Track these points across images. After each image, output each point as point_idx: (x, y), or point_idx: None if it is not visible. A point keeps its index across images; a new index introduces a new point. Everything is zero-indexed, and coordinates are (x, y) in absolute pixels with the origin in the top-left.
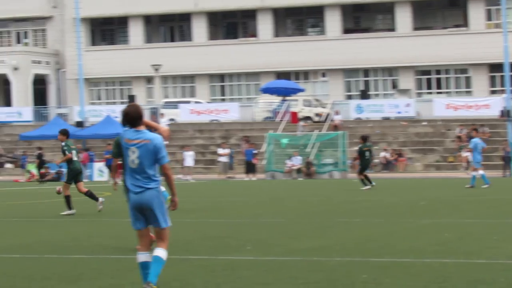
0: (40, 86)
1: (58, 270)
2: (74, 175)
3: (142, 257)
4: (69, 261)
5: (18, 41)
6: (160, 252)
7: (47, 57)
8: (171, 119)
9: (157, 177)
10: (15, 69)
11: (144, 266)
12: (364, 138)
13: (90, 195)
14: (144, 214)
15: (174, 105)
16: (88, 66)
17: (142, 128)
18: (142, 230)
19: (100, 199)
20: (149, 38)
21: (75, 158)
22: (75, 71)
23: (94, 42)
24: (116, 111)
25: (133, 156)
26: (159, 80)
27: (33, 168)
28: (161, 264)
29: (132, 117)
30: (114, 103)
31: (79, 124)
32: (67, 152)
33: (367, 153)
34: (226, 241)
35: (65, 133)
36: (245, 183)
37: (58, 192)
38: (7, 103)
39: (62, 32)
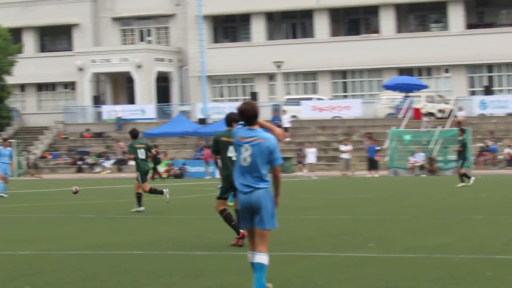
0: (163, 83)
1: (181, 267)
2: (142, 174)
3: (254, 258)
4: (191, 257)
5: (142, 39)
6: (262, 258)
7: (170, 54)
8: (293, 116)
9: (267, 177)
10: (139, 67)
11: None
12: (463, 130)
13: (153, 191)
14: (251, 214)
15: (296, 102)
16: (211, 64)
17: (257, 127)
18: (252, 230)
19: (165, 190)
20: (271, 35)
21: (142, 157)
22: (198, 69)
23: (216, 40)
24: None
25: (245, 154)
26: (281, 77)
27: (157, 166)
28: (264, 270)
29: (248, 115)
30: (236, 100)
31: (202, 121)
32: (129, 153)
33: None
34: (348, 238)
35: (130, 133)
36: (368, 180)
37: (75, 192)
38: (131, 100)
39: (184, 29)
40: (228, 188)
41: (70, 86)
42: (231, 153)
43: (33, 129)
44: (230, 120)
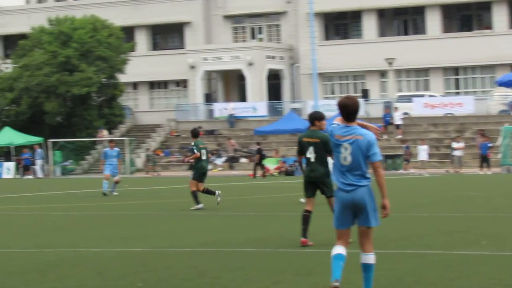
0: (274, 81)
1: (292, 264)
2: (201, 174)
3: (340, 249)
4: (302, 255)
5: (253, 37)
6: (371, 258)
7: (281, 52)
8: (405, 113)
9: (369, 174)
10: (250, 64)
11: (338, 257)
12: None
13: (207, 191)
14: (354, 213)
15: (407, 98)
16: (322, 61)
17: (355, 124)
18: (345, 230)
19: (217, 192)
20: (383, 32)
21: (203, 158)
22: (309, 66)
23: (327, 37)
24: None
25: (345, 153)
26: (393, 74)
27: (268, 163)
28: (373, 270)
29: (349, 111)
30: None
31: None
32: (195, 151)
33: None
34: (460, 235)
35: (192, 133)
36: (480, 177)
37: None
38: (242, 98)
39: (296, 27)
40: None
41: (182, 84)
42: (310, 154)
43: (146, 127)
44: (313, 119)
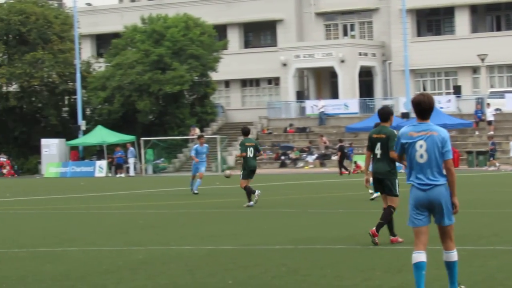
0: (366, 78)
1: (382, 261)
2: (248, 172)
3: (420, 256)
4: (393, 252)
5: (345, 34)
6: (454, 256)
7: (373, 49)
8: (497, 109)
9: (444, 172)
10: (342, 61)
11: (420, 266)
12: None
13: (248, 190)
14: (429, 211)
15: (500, 94)
16: (414, 57)
17: (428, 121)
18: (422, 228)
19: (257, 192)
20: (475, 28)
21: (250, 155)
22: (401, 63)
23: (419, 33)
24: (442, 101)
25: (421, 151)
26: (485, 70)
27: (359, 160)
28: (456, 267)
29: (424, 108)
30: (439, 94)
31: (405, 115)
32: (241, 151)
33: None
34: None
35: (242, 131)
36: None
37: (228, 176)
38: (334, 95)
39: (388, 24)
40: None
41: (273, 81)
42: (377, 150)
43: (237, 124)
44: (389, 114)
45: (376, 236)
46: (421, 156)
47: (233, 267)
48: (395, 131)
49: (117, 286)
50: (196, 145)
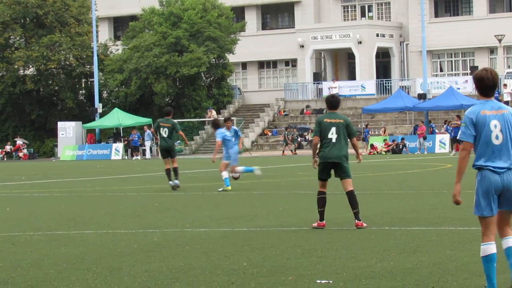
0: (383, 59)
1: (397, 242)
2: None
3: (492, 248)
4: (408, 233)
5: (363, 15)
6: None
7: (391, 30)
8: None
9: None
10: (359, 42)
11: (492, 259)
12: None
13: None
14: (498, 197)
15: None
16: (431, 38)
17: (492, 98)
18: (492, 217)
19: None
20: (492, 8)
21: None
22: (418, 44)
23: (437, 14)
24: (459, 82)
25: (496, 131)
26: (502, 50)
27: (375, 141)
28: None
29: (487, 85)
30: (456, 74)
31: (421, 97)
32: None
33: None
34: None
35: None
36: None
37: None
38: (352, 76)
39: (406, 4)
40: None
41: (291, 63)
42: (331, 135)
43: (254, 106)
44: (336, 102)
45: (363, 225)
46: (497, 137)
47: (248, 249)
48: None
49: (132, 269)
50: (222, 130)
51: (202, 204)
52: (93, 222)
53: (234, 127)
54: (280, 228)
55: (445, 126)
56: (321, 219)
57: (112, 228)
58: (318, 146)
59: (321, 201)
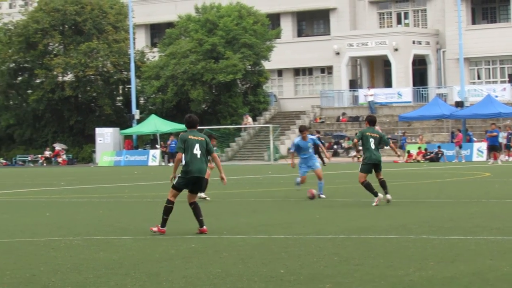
0: (419, 66)
1: (435, 251)
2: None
3: None
4: (446, 242)
5: (399, 22)
6: None
7: (427, 37)
8: None
9: None
10: (395, 50)
11: None
12: None
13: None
14: None
15: None
16: (468, 45)
17: None
18: None
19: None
20: None
21: (372, 147)
22: (455, 51)
23: (474, 21)
24: (497, 90)
25: None
26: None
27: (412, 149)
28: None
29: None
30: (494, 82)
31: (459, 104)
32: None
33: None
34: None
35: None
36: None
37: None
38: (388, 84)
39: (442, 11)
40: None
41: (326, 70)
42: (372, 144)
43: (290, 113)
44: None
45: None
46: None
47: (285, 256)
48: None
49: (170, 275)
50: (298, 138)
51: (239, 211)
52: (131, 227)
53: (311, 136)
54: (317, 235)
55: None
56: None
57: (150, 233)
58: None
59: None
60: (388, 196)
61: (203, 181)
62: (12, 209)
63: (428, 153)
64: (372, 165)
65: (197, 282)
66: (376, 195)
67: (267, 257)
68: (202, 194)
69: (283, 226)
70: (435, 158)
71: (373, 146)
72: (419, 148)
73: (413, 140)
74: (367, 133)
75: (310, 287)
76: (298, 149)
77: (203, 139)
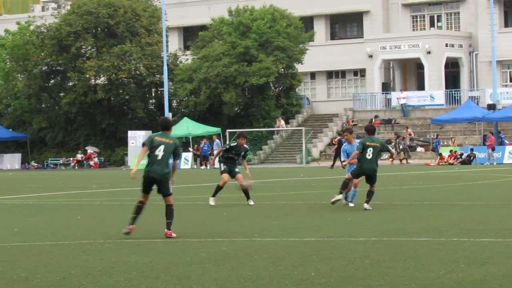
0: (452, 69)
1: (466, 254)
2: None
3: None
4: (477, 244)
5: (432, 25)
6: None
7: (460, 40)
8: None
9: None
10: (428, 52)
11: None
12: None
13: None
14: None
15: None
16: (501, 48)
17: None
18: None
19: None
20: None
21: (368, 157)
22: (488, 54)
23: (507, 24)
24: None
25: None
26: None
27: (444, 152)
28: None
29: None
30: None
31: (491, 107)
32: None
33: None
34: None
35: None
36: None
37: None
38: (420, 87)
39: (475, 14)
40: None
41: (359, 73)
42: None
43: (323, 116)
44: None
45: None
46: None
47: (316, 259)
48: None
49: (201, 277)
50: (344, 144)
51: (270, 214)
52: (163, 230)
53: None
54: (348, 238)
55: None
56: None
57: (181, 237)
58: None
59: None
60: (366, 205)
61: (163, 183)
62: (43, 212)
63: (459, 156)
64: (363, 173)
65: (228, 285)
66: (340, 193)
67: (298, 260)
68: (250, 202)
69: (314, 229)
70: (467, 160)
71: (369, 156)
72: (451, 151)
73: (445, 143)
74: (367, 143)
75: None
76: (347, 154)
77: (171, 141)
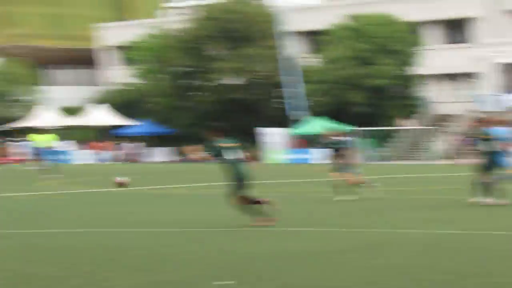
0: None
1: None
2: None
3: None
4: None
5: None
6: None
7: None
8: None
9: None
10: None
11: None
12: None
13: None
14: None
15: None
16: None
17: None
18: None
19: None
20: None
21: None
22: None
23: None
24: None
25: None
26: None
27: None
28: None
29: None
30: None
31: None
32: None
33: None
34: None
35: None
36: None
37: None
38: None
39: None
40: None
41: (480, 75)
42: None
43: (443, 117)
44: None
45: None
46: None
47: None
48: None
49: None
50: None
51: (415, 207)
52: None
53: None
54: (489, 232)
55: None
56: None
57: (335, 226)
58: None
59: None
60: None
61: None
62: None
63: None
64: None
65: (383, 272)
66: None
67: (446, 252)
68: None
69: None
70: None
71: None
72: None
73: None
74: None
75: (488, 281)
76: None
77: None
